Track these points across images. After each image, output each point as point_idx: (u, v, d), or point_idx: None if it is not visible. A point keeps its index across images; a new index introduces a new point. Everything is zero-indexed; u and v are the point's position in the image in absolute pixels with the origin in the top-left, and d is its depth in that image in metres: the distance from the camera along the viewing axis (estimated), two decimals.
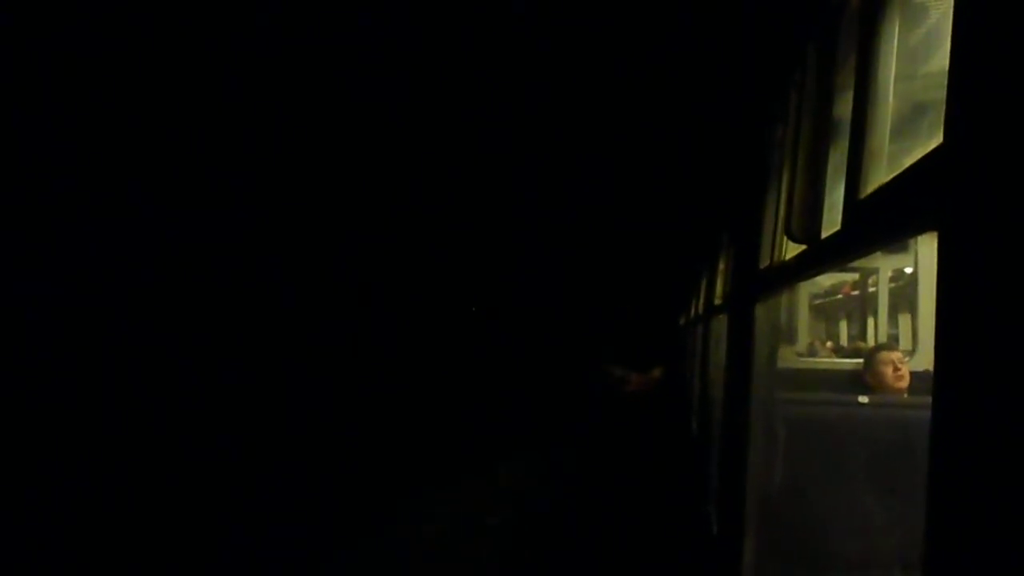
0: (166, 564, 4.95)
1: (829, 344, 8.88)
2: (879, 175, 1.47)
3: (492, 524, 6.18)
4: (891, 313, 6.45)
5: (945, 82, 1.00)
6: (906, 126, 1.61)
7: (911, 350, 4.33)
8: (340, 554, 5.34)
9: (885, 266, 6.22)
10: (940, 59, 1.93)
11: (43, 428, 5.47)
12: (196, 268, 7.12)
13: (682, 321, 12.41)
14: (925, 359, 4.15)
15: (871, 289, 6.79)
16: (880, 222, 1.41)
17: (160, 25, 4.17)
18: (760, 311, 2.96)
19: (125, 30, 4.23)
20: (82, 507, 5.29)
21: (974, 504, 0.85)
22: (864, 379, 3.64)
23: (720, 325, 4.86)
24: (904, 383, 3.52)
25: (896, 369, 3.54)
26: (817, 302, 9.09)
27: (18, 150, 5.11)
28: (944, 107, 1.00)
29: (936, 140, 1.04)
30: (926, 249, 4.36)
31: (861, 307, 7.63)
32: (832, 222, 1.77)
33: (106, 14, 4.09)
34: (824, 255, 1.90)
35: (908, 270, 5.71)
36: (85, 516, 5.22)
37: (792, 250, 2.30)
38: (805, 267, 2.17)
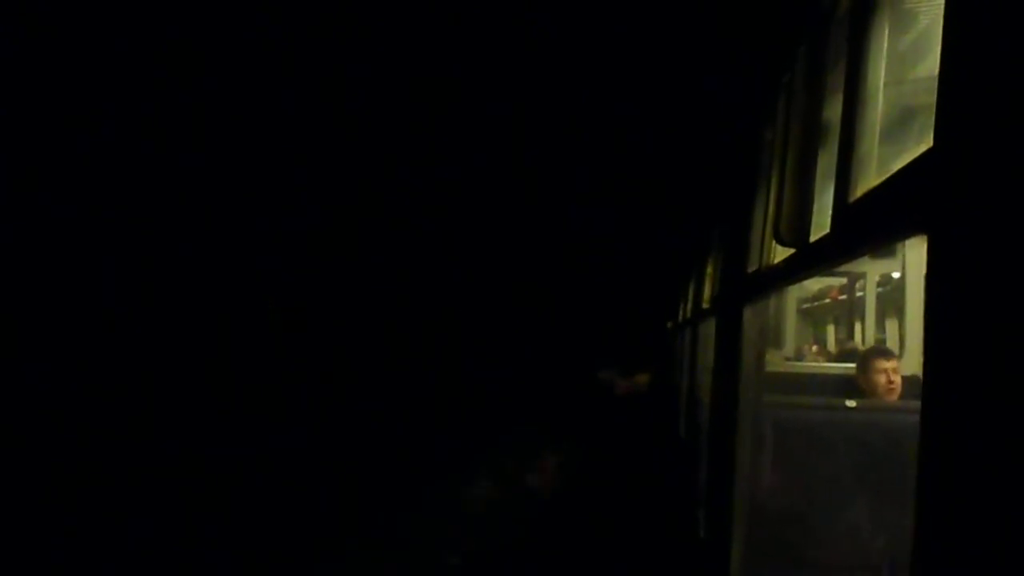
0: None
1: (815, 348, 8.92)
2: (868, 179, 1.47)
3: (454, 564, 5.30)
4: (878, 318, 6.49)
5: (934, 86, 0.99)
6: (895, 130, 1.61)
7: (898, 355, 4.35)
8: None
9: (873, 271, 6.25)
10: (929, 64, 1.94)
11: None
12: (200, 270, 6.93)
13: (670, 325, 12.42)
14: (913, 363, 4.18)
15: (859, 294, 6.82)
16: (869, 226, 1.41)
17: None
18: (748, 315, 2.96)
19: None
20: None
21: (962, 508, 0.84)
22: (858, 382, 3.64)
23: (708, 329, 4.86)
24: (895, 395, 3.53)
25: (890, 380, 3.55)
26: (805, 306, 9.12)
27: None
28: (934, 111, 0.99)
29: (925, 144, 1.04)
30: (914, 253, 4.38)
31: (849, 312, 7.67)
32: (821, 226, 1.77)
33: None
34: (812, 259, 1.89)
35: (896, 275, 5.74)
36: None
37: (780, 254, 2.30)
38: (793, 271, 2.17)
